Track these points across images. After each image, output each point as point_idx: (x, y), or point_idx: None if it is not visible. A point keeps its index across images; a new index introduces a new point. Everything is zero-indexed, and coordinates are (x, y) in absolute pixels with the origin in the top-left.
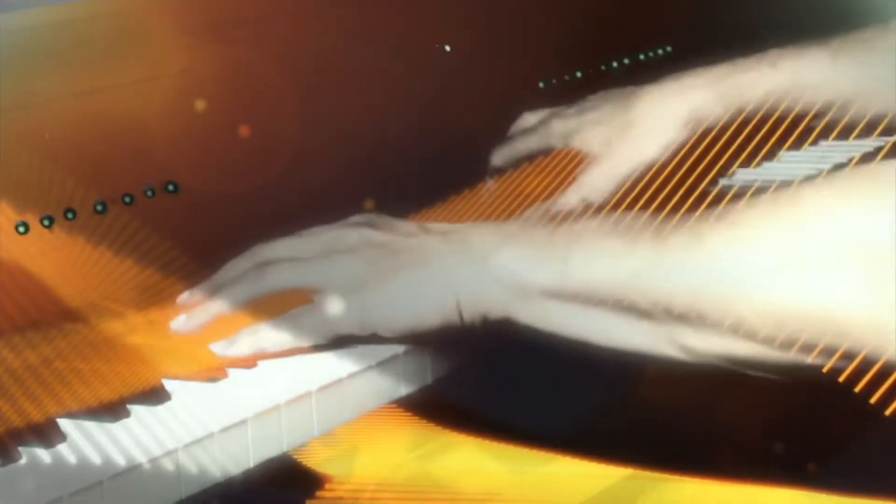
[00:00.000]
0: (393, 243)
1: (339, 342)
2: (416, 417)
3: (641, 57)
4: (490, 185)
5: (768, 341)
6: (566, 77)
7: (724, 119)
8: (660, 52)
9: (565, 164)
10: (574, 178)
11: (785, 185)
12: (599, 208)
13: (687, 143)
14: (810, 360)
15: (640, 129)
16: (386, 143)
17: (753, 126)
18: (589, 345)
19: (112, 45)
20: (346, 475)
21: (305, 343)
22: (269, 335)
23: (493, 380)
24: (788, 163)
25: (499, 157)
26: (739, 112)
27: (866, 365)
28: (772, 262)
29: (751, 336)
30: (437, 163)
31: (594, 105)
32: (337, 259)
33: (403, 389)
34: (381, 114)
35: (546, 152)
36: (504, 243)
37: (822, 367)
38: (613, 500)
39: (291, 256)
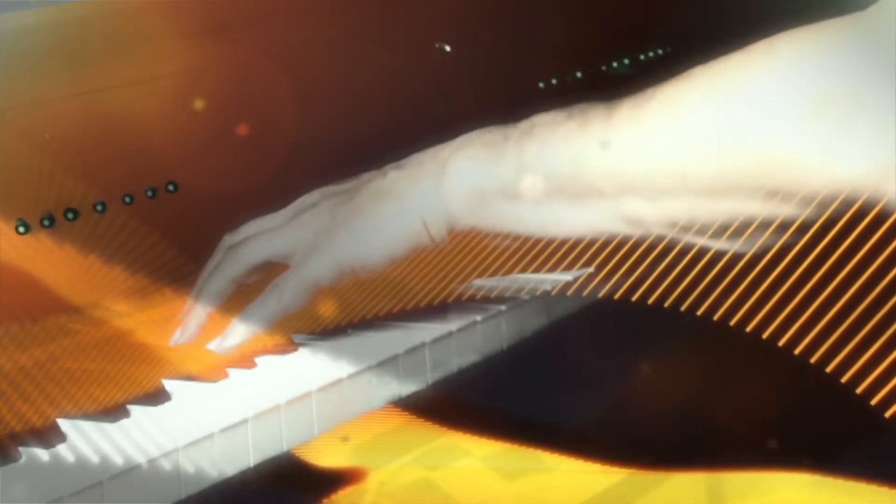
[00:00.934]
0: (351, 188)
1: (324, 296)
2: (416, 417)
3: (641, 57)
4: None
5: (715, 193)
6: (566, 77)
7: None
8: (660, 52)
9: None
10: None
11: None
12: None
13: None
14: (751, 209)
15: None
16: (385, 143)
17: None
18: (544, 236)
19: (112, 46)
20: (347, 475)
21: (295, 308)
22: (257, 313)
23: (492, 380)
24: None
25: None
26: None
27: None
28: (711, 114)
29: (697, 191)
30: None
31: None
32: (301, 218)
33: (403, 389)
34: (380, 113)
35: None
36: (457, 151)
37: (763, 220)
38: (613, 501)
39: (258, 231)
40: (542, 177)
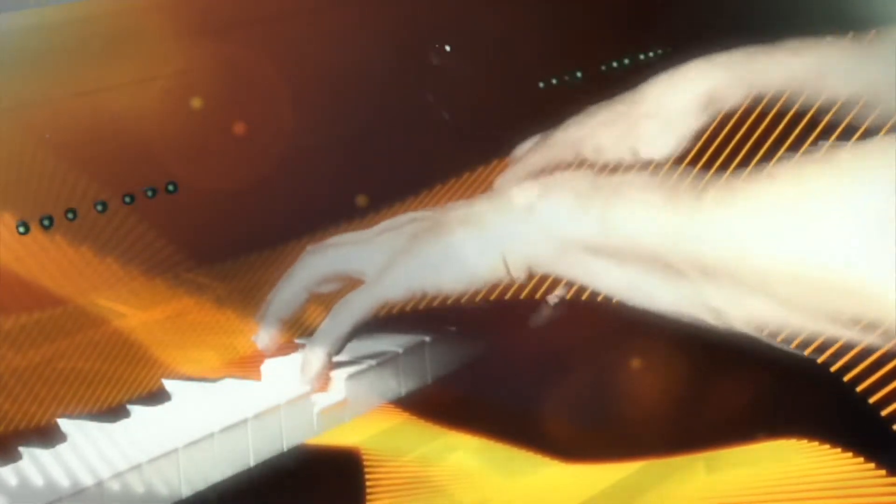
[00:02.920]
0: (436, 215)
1: (392, 317)
2: (416, 417)
3: (641, 57)
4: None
5: (795, 306)
6: (566, 77)
7: (744, 104)
8: (660, 51)
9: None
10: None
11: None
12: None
13: (705, 129)
14: (835, 330)
15: (654, 120)
16: (384, 143)
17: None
18: (624, 303)
19: (112, 46)
20: (346, 475)
21: (360, 324)
22: (327, 327)
23: (492, 379)
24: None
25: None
26: (758, 98)
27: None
28: (804, 222)
29: (777, 299)
30: (436, 162)
31: (600, 109)
32: (382, 237)
33: (403, 389)
34: (379, 113)
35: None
36: (546, 193)
37: (846, 340)
38: (613, 501)
39: (342, 242)
40: (624, 242)
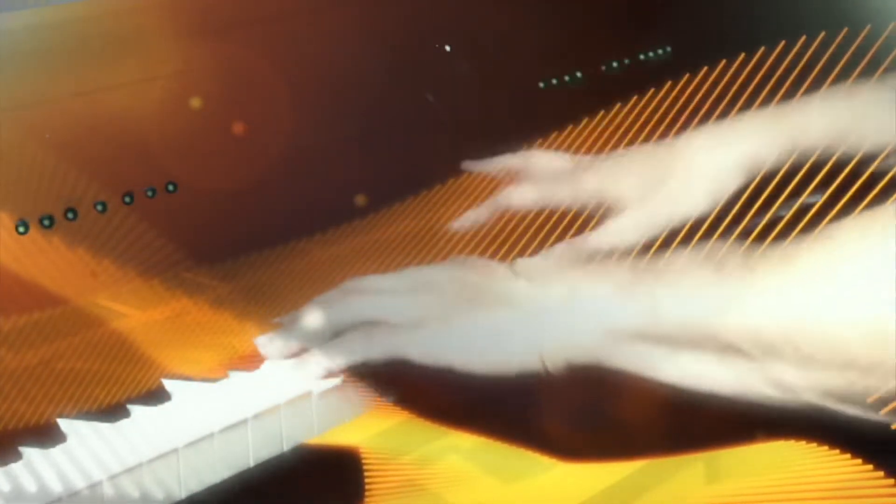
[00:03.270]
0: (479, 284)
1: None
2: (416, 417)
3: (641, 57)
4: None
5: (866, 371)
6: (566, 77)
7: (781, 162)
8: (660, 52)
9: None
10: (600, 222)
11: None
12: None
13: (742, 190)
14: None
15: (691, 176)
16: (384, 143)
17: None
18: (684, 389)
19: (112, 46)
20: (346, 475)
21: (370, 363)
22: (338, 350)
23: (492, 378)
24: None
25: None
26: (796, 154)
27: None
28: (863, 288)
29: (847, 366)
30: (436, 162)
31: (628, 157)
32: (421, 294)
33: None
34: (378, 113)
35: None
36: (590, 286)
37: None
38: (612, 500)
39: (379, 289)
40: (677, 326)
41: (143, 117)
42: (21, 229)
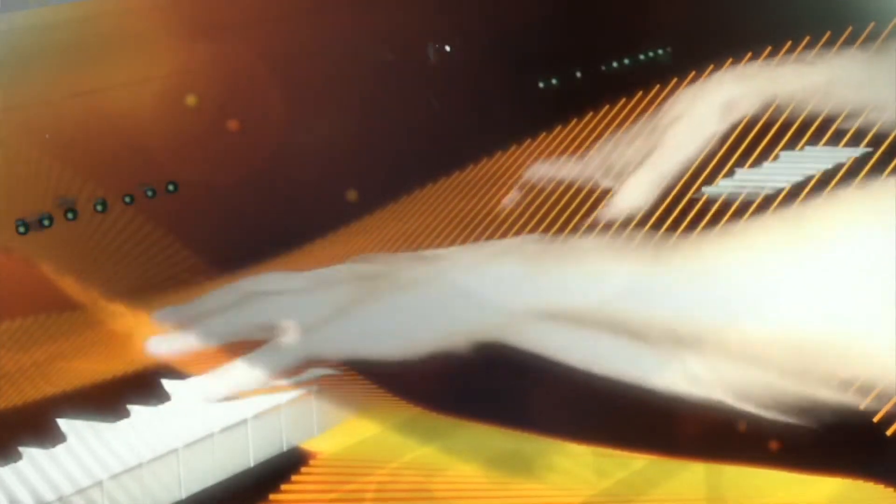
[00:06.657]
0: (380, 272)
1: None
2: (416, 417)
3: (641, 57)
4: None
5: (777, 369)
6: (566, 77)
7: (760, 112)
8: (660, 52)
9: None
10: (618, 186)
11: (777, 197)
12: (591, 225)
13: (726, 135)
14: (826, 392)
15: (681, 121)
16: (383, 143)
17: (741, 130)
18: (593, 373)
19: (112, 46)
20: (346, 475)
21: (283, 376)
22: (255, 365)
23: (492, 374)
24: (775, 169)
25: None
26: (773, 106)
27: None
28: (775, 282)
29: (756, 362)
30: (435, 162)
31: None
32: (321, 292)
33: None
34: (376, 113)
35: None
36: (493, 261)
37: (841, 404)
38: (620, 492)
39: (277, 290)
40: (582, 306)
41: (143, 117)
42: (21, 229)
